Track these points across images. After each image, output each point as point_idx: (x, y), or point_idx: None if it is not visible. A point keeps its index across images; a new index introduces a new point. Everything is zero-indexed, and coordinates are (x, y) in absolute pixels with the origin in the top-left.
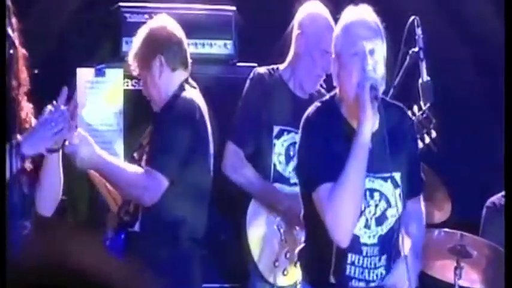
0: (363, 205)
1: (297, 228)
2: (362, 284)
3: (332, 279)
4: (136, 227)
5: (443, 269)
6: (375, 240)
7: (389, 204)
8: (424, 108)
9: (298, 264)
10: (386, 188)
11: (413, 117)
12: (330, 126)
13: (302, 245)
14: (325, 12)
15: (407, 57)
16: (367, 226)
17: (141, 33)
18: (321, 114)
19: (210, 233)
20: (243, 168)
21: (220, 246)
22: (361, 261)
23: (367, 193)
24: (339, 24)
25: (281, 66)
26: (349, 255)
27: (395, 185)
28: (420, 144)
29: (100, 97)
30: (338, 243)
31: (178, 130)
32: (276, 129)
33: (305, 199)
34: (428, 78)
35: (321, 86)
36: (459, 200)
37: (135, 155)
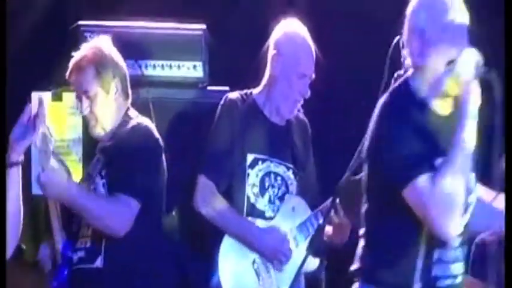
0: None
1: (274, 267)
2: (449, 281)
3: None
4: (98, 263)
5: None
6: (461, 229)
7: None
8: None
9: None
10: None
11: None
12: (413, 114)
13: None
14: (303, 31)
15: (392, 81)
16: None
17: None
18: (402, 101)
19: (180, 271)
20: (215, 201)
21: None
22: (447, 256)
23: None
24: None
25: (255, 91)
26: (436, 251)
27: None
28: None
29: (57, 123)
30: (446, 237)
31: (139, 156)
32: (250, 158)
33: (386, 199)
34: None
35: (298, 110)
36: None
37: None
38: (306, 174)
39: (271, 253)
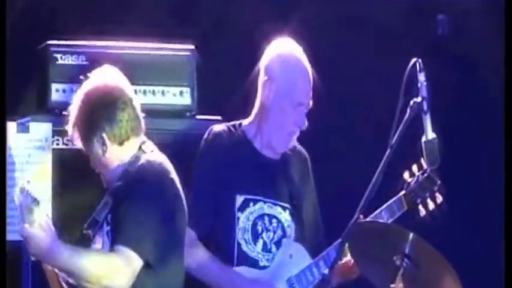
0: None
1: None
2: None
3: None
4: None
5: None
6: None
7: None
8: (425, 167)
9: None
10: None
11: (411, 179)
12: None
13: None
14: (298, 52)
15: (408, 109)
16: None
17: (77, 99)
18: None
19: None
20: (195, 252)
21: None
22: None
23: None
24: None
25: (245, 121)
26: None
27: None
28: (422, 211)
29: (23, 158)
30: None
31: (149, 202)
32: (240, 199)
33: None
34: (434, 135)
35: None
36: None
37: (89, 232)
38: (306, 214)
39: None
